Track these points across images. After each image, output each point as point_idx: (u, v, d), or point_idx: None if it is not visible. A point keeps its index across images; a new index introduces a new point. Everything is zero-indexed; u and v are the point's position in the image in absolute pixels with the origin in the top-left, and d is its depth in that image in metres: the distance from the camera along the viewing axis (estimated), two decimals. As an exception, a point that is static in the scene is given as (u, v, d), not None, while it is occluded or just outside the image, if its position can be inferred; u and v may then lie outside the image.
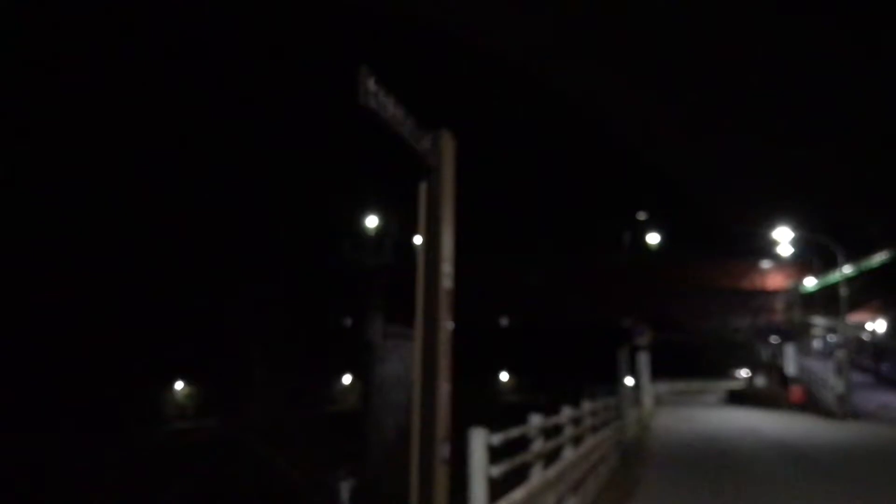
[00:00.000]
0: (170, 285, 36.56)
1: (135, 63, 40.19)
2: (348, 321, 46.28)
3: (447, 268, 5.16)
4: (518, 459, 6.63)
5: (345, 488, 23.97)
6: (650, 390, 33.32)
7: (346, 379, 48.48)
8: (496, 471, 5.72)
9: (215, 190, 40.44)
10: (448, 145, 5.37)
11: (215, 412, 37.27)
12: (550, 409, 9.28)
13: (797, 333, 40.13)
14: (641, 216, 52.57)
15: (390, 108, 4.61)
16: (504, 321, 48.20)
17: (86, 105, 37.29)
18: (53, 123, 36.38)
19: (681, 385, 50.58)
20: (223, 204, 40.31)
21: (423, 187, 5.24)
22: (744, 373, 48.10)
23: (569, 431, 9.43)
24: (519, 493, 6.52)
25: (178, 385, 39.27)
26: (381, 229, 44.48)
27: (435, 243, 5.16)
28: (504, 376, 59.65)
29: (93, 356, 30.65)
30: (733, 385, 48.04)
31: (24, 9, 33.43)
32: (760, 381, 42.10)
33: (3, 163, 34.46)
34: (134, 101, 39.31)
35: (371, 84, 4.35)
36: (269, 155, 42.41)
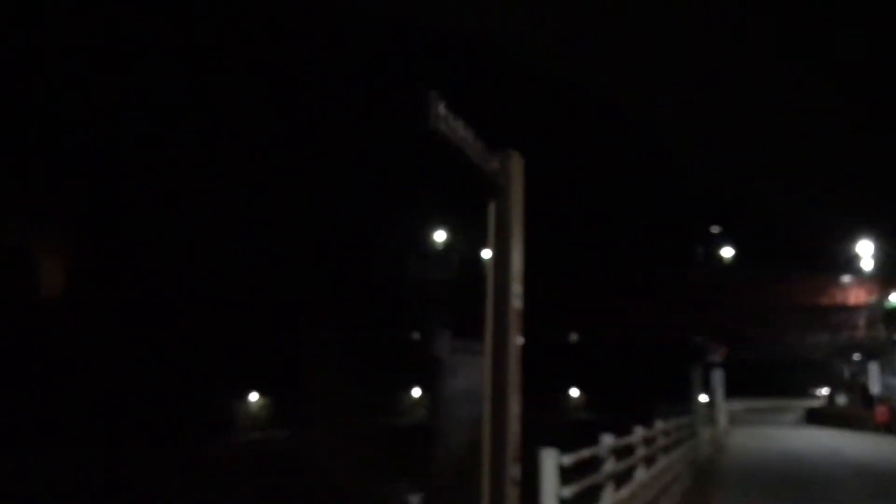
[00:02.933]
0: (244, 298, 37.43)
1: (208, 80, 41.45)
2: (416, 335, 46.54)
3: (517, 288, 5.16)
4: (589, 480, 6.57)
5: (413, 502, 24.09)
6: (724, 409, 32.47)
7: (415, 392, 48.68)
8: (567, 492, 5.68)
9: (287, 204, 41.30)
10: (517, 166, 5.38)
11: (287, 424, 37.86)
12: (622, 428, 9.16)
13: (881, 351, 38.56)
14: (715, 230, 51.47)
15: (459, 131, 4.65)
16: (573, 337, 47.74)
17: (167, 114, 38.67)
18: (138, 131, 37.82)
19: (756, 403, 49.13)
20: (294, 218, 41.12)
21: (491, 208, 5.26)
22: (823, 391, 46.47)
23: (641, 451, 9.29)
24: (590, 515, 6.46)
25: (253, 396, 40.06)
26: (447, 243, 44.68)
27: (504, 263, 5.17)
28: (574, 392, 58.94)
29: (169, 368, 31.54)
30: (812, 404, 46.44)
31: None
32: (842, 399, 40.62)
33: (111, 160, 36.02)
34: (215, 119, 40.58)
35: (440, 108, 4.40)
36: (336, 169, 43.14)
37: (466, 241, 42.89)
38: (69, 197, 36.89)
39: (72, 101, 36.34)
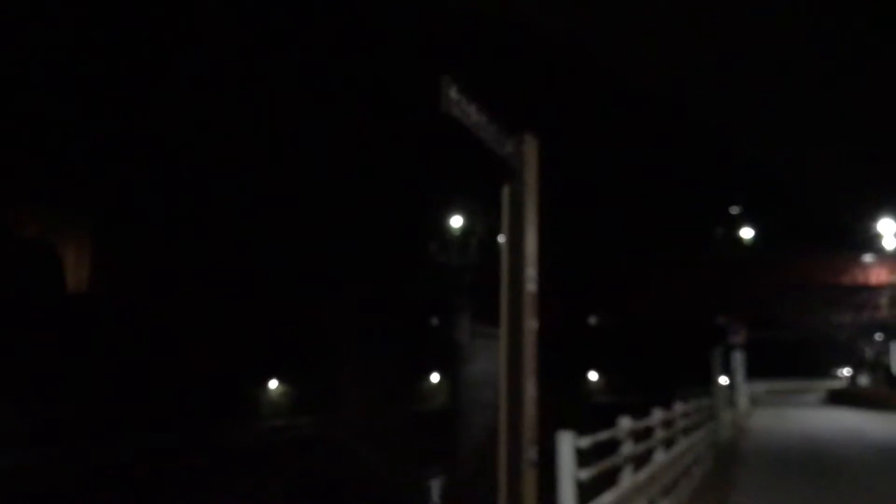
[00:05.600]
0: (262, 285, 37.69)
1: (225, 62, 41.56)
2: (435, 320, 46.61)
3: (531, 271, 5.16)
4: (607, 462, 6.59)
5: (435, 486, 24.21)
6: (745, 390, 32.34)
7: (435, 378, 48.88)
8: (584, 474, 5.71)
9: (308, 191, 41.43)
10: (531, 149, 5.37)
11: (309, 410, 38.20)
12: (641, 411, 9.17)
13: (904, 331, 38.24)
14: (734, 210, 50.99)
15: (473, 115, 4.65)
16: (592, 319, 47.58)
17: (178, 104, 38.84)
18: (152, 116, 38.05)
19: (778, 385, 48.95)
20: (315, 204, 41.24)
21: (505, 191, 5.26)
22: (846, 372, 46.20)
23: (660, 434, 9.29)
24: (608, 497, 6.48)
25: (273, 384, 40.41)
26: (466, 228, 44.61)
27: (518, 247, 5.17)
28: (593, 376, 58.93)
29: (189, 355, 31.86)
30: (834, 384, 46.20)
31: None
32: (864, 380, 40.38)
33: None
34: (226, 101, 40.69)
35: (453, 92, 4.40)
36: (356, 155, 43.18)
37: (486, 225, 42.79)
38: (92, 191, 37.25)
39: (93, 96, 36.64)
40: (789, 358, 48.40)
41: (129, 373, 29.47)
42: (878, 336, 39.66)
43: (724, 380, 25.06)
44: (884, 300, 43.86)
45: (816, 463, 14.66)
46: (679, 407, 11.55)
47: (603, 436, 6.45)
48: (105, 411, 27.65)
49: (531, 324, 5.10)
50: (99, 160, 36.82)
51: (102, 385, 28.51)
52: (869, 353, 40.39)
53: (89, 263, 38.09)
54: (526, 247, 5.16)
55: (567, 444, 5.51)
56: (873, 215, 33.17)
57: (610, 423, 7.26)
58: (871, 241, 39.20)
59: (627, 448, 7.26)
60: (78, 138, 36.02)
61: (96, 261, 38.09)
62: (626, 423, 7.33)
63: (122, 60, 37.64)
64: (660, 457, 9.04)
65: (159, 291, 35.54)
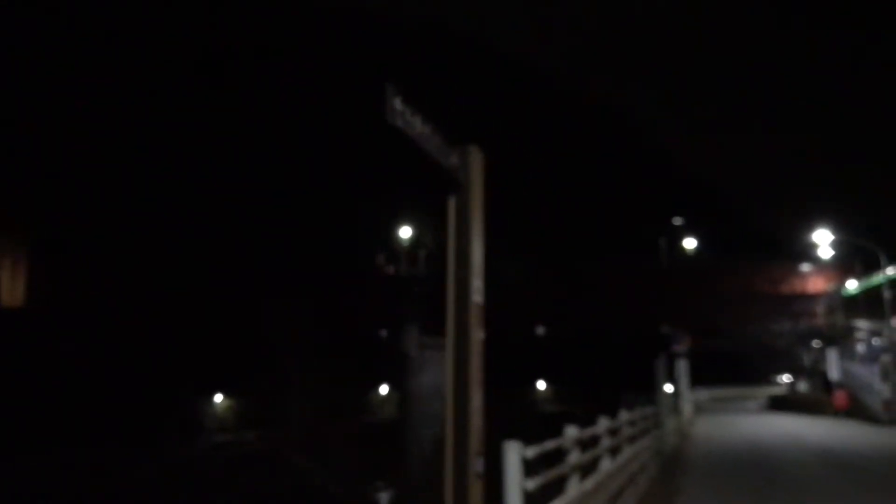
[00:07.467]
0: (206, 299, 37.05)
1: (182, 78, 40.96)
2: (384, 332, 46.41)
3: (477, 282, 5.16)
4: (554, 472, 6.60)
5: (384, 499, 24.03)
6: (689, 398, 32.89)
7: (383, 390, 48.58)
8: (531, 484, 5.70)
9: (253, 203, 40.94)
10: (476, 160, 5.37)
11: (255, 425, 37.58)
12: (588, 419, 9.22)
13: (840, 337, 39.36)
14: (677, 221, 52.06)
15: (417, 126, 4.64)
16: (540, 330, 47.95)
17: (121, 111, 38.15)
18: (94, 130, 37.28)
19: (721, 392, 49.87)
20: (261, 217, 40.77)
21: (451, 202, 5.25)
22: (785, 378, 47.32)
23: (606, 442, 9.36)
24: (555, 506, 6.49)
25: (218, 398, 39.67)
26: (415, 240, 44.63)
27: (464, 258, 5.16)
28: (541, 385, 59.23)
29: (132, 370, 31.11)
30: (775, 391, 47.27)
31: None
32: (803, 386, 41.43)
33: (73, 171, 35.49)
34: (180, 114, 40.05)
35: (398, 103, 4.39)
36: (305, 168, 42.81)
37: (435, 236, 42.87)
38: (26, 205, 36.27)
39: (26, 108, 35.74)
40: (731, 365, 49.34)
41: (65, 387, 28.61)
42: (816, 343, 40.78)
43: (668, 388, 25.44)
44: (820, 308, 45.22)
45: (759, 468, 14.96)
46: (624, 415, 11.66)
47: (550, 445, 6.46)
48: (37, 426, 26.74)
49: (477, 334, 5.09)
50: (35, 180, 35.90)
51: (35, 399, 27.61)
52: (807, 359, 41.49)
53: (24, 279, 37.03)
54: (472, 258, 5.16)
55: (514, 454, 5.51)
56: (809, 226, 34.12)
57: (557, 432, 7.27)
58: (808, 251, 40.40)
59: (574, 457, 7.29)
60: (15, 157, 35.08)
61: (31, 277, 37.04)
62: (572, 431, 7.35)
63: (56, 78, 36.84)
64: (606, 465, 9.11)
65: (97, 306, 34.67)
